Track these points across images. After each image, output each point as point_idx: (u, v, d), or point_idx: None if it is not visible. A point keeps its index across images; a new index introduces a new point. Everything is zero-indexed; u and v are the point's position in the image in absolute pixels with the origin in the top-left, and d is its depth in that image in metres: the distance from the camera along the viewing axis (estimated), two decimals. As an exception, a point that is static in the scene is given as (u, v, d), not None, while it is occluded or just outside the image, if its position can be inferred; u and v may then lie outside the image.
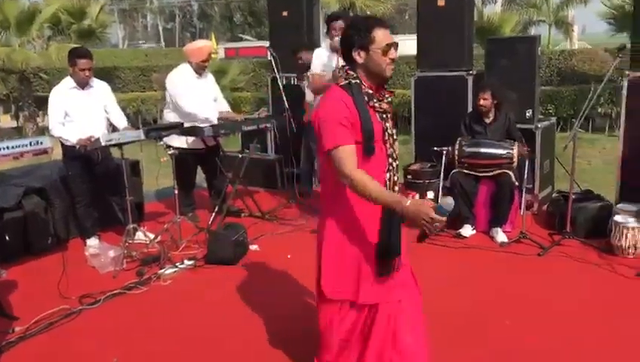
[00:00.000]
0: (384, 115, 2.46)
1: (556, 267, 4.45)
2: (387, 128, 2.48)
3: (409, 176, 5.45)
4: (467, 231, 5.17)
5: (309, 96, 5.94)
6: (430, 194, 5.33)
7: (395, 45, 2.41)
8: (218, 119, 5.43)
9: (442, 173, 5.21)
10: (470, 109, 5.75)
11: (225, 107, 5.71)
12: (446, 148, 5.14)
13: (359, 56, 2.41)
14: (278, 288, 4.17)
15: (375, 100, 2.43)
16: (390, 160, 2.49)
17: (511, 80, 5.59)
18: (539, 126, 5.67)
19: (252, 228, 5.31)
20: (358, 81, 2.41)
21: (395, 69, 15.79)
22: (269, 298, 4.00)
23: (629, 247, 4.51)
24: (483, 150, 5.08)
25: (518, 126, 5.35)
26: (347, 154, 2.33)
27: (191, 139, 5.24)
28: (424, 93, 6.20)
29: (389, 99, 2.50)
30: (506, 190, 5.05)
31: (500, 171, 5.05)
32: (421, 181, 5.36)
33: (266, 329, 3.55)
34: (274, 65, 6.18)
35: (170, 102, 5.40)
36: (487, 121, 5.23)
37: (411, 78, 6.35)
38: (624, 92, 5.13)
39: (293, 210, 6.03)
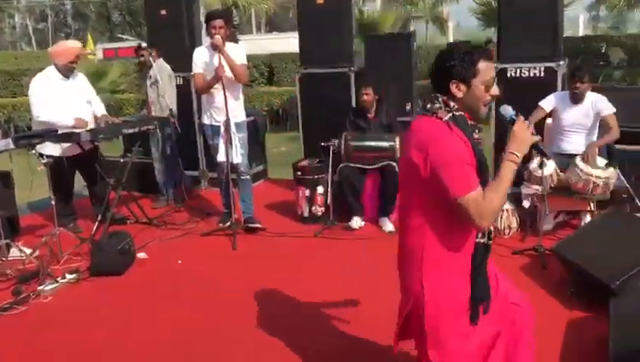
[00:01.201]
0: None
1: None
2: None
3: (298, 173, 5.49)
4: (356, 222, 5.30)
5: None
6: (320, 189, 5.40)
7: (496, 81, 2.20)
8: (96, 123, 5.17)
9: (330, 168, 5.30)
10: (354, 104, 5.90)
11: (100, 110, 5.43)
12: (332, 143, 5.24)
13: (458, 90, 2.14)
14: (170, 295, 4.05)
15: (476, 134, 2.19)
16: None
17: (390, 75, 5.81)
18: (418, 118, 5.91)
19: (139, 236, 5.10)
20: (462, 113, 2.14)
21: (282, 66, 15.76)
22: (161, 306, 3.87)
23: (504, 228, 4.83)
24: (367, 143, 5.23)
25: (400, 119, 5.56)
26: (480, 196, 2.04)
27: (66, 145, 4.94)
28: (309, 90, 6.29)
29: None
30: (391, 181, 5.23)
31: (384, 163, 5.23)
32: (310, 177, 5.42)
33: (161, 341, 3.43)
34: (154, 65, 5.99)
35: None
36: (370, 115, 5.39)
37: (296, 75, 6.40)
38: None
39: (182, 214, 5.88)
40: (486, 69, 2.12)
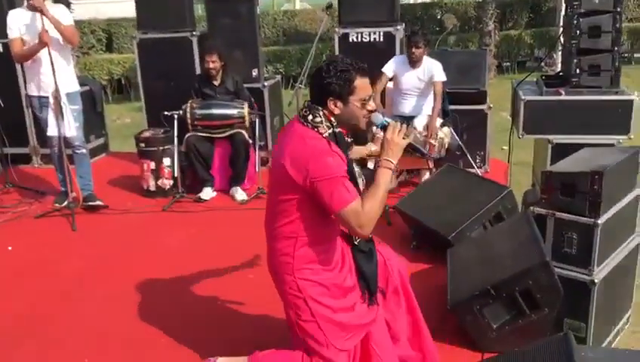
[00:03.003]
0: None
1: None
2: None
3: (142, 145, 5.18)
4: (207, 193, 5.15)
5: None
6: (167, 161, 5.16)
7: (373, 96, 2.30)
8: None
9: (176, 138, 5.07)
10: (198, 71, 5.68)
11: None
12: (177, 112, 5.01)
13: (335, 107, 2.22)
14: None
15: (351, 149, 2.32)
16: None
17: (234, 40, 5.65)
18: (265, 84, 5.85)
19: (-40, 223, 4.56)
20: (340, 130, 2.25)
21: (122, 32, 14.77)
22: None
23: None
24: (215, 111, 5.08)
25: (246, 85, 5.45)
26: (359, 206, 2.15)
27: None
28: (149, 56, 5.93)
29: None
30: (241, 149, 5.14)
31: (233, 131, 5.11)
32: (155, 148, 5.14)
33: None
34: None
35: None
36: (216, 83, 5.22)
37: (133, 41, 6.01)
38: (337, 48, 5.57)
39: (11, 195, 5.31)
40: (362, 86, 2.22)
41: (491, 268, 2.98)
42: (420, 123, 4.72)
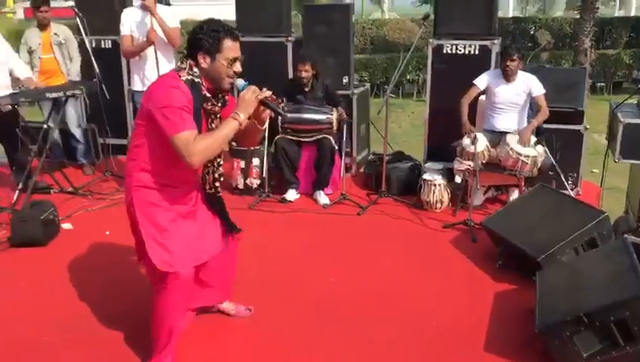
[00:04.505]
0: (212, 117, 2.60)
1: (374, 224, 4.72)
2: (211, 129, 2.60)
3: (233, 144, 5.36)
4: (292, 195, 5.26)
5: None
6: (256, 161, 5.32)
7: (241, 60, 2.53)
8: (19, 86, 4.84)
9: (267, 140, 5.21)
10: (291, 75, 5.81)
11: (25, 73, 5.09)
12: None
13: (204, 61, 2.49)
14: (96, 266, 3.88)
15: (209, 103, 2.55)
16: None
17: (328, 47, 5.74)
18: (354, 92, 5.91)
19: (63, 205, 4.87)
20: (199, 81, 2.50)
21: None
22: (86, 278, 3.70)
23: (436, 202, 4.93)
24: (305, 116, 5.19)
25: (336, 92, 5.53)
26: (192, 136, 2.40)
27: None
28: (245, 59, 6.09)
29: (223, 102, 2.63)
30: (327, 154, 5.22)
31: (320, 136, 5.20)
32: (246, 148, 5.30)
33: (89, 314, 3.29)
34: (81, 27, 5.65)
35: None
36: (307, 90, 5.33)
37: (231, 44, 6.20)
38: (430, 60, 5.54)
39: (109, 183, 5.64)
40: (230, 47, 2.48)
41: (584, 295, 2.87)
42: (513, 139, 4.61)
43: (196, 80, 2.49)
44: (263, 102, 2.54)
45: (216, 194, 2.82)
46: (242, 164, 5.33)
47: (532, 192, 4.20)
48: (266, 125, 2.79)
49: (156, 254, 2.58)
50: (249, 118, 2.56)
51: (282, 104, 2.62)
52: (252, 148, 5.24)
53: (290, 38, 5.95)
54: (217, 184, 2.78)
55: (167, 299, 2.62)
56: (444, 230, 4.54)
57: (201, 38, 2.47)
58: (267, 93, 2.53)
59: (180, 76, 2.47)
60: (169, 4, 6.84)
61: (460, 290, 3.60)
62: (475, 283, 3.69)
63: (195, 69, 2.50)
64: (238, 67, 2.52)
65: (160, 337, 2.70)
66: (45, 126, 5.19)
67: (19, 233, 4.17)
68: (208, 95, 2.54)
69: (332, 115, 5.15)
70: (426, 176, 5.02)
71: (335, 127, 5.18)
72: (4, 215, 4.56)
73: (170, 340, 2.71)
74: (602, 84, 12.87)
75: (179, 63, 2.56)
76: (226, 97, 2.65)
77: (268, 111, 2.60)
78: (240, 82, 2.56)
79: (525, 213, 3.97)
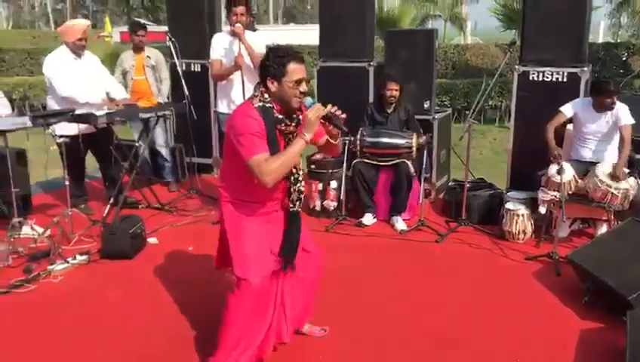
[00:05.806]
0: (290, 136, 2.73)
1: (453, 252, 4.63)
2: None
3: (312, 166, 5.44)
4: (368, 219, 5.26)
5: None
6: (333, 184, 5.36)
7: (306, 80, 2.67)
8: (115, 106, 5.16)
9: (345, 163, 5.25)
10: (371, 100, 5.84)
11: (121, 93, 5.43)
12: (348, 137, 5.19)
13: (272, 85, 2.66)
14: (179, 281, 4.03)
15: (283, 124, 2.70)
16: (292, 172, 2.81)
17: (410, 71, 5.73)
18: (436, 117, 5.86)
19: (150, 220, 5.10)
20: (270, 105, 2.66)
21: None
22: (170, 291, 3.85)
23: (518, 233, 4.77)
24: (383, 140, 5.19)
25: (417, 117, 5.51)
26: (264, 159, 2.58)
27: (83, 126, 4.91)
28: (327, 83, 6.22)
29: (297, 121, 2.73)
30: (404, 179, 5.19)
31: (399, 160, 5.18)
32: (324, 171, 5.37)
33: (170, 326, 3.42)
34: (173, 51, 5.97)
35: (49, 87, 5.07)
36: (389, 111, 5.34)
37: (314, 69, 6.34)
38: (515, 86, 5.41)
39: (194, 201, 5.86)
40: (295, 69, 2.63)
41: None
42: (602, 170, 4.40)
43: (267, 105, 2.66)
44: (326, 118, 2.65)
45: (297, 212, 2.94)
46: (320, 186, 5.39)
47: (623, 227, 3.98)
48: (340, 140, 2.91)
49: (236, 261, 2.79)
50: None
51: (343, 115, 2.70)
52: (330, 171, 5.30)
53: (372, 63, 6.00)
54: (301, 196, 2.92)
55: (237, 304, 2.79)
56: (527, 262, 4.39)
57: (268, 65, 2.66)
58: (330, 108, 2.64)
59: (252, 104, 2.67)
60: (255, 30, 7.08)
61: (544, 327, 3.45)
62: (559, 320, 3.53)
63: (266, 95, 2.68)
64: (304, 87, 2.67)
65: (224, 340, 2.85)
66: (137, 144, 5.48)
67: (108, 246, 4.41)
68: (281, 117, 2.69)
69: (412, 139, 5.13)
70: (508, 206, 4.88)
71: (414, 152, 5.15)
72: (95, 228, 4.82)
73: (236, 349, 2.82)
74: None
75: (253, 91, 2.76)
76: (300, 116, 2.74)
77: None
78: (308, 101, 2.70)
79: (615, 249, 3.77)
